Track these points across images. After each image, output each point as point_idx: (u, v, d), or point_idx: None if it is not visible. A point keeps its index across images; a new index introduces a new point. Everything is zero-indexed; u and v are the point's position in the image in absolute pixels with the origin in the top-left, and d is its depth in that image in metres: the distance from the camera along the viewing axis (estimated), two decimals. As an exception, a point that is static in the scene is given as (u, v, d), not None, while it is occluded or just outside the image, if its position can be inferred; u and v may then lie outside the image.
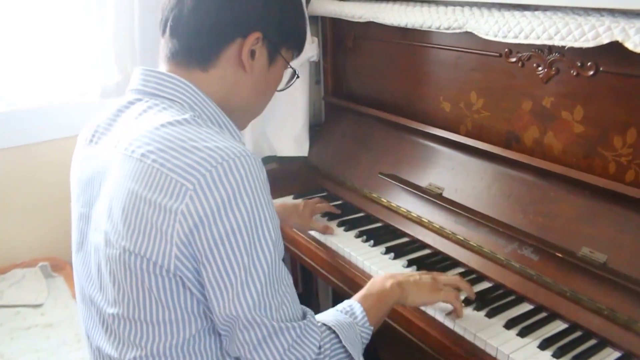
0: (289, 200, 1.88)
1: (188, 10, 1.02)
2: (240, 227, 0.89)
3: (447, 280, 1.33)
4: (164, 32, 1.07)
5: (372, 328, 1.14)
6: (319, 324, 1.04)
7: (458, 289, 1.33)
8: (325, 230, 1.71)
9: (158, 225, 0.89)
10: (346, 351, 1.05)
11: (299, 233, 1.76)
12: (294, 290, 1.00)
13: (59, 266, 2.04)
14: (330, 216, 1.80)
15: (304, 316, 1.01)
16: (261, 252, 0.92)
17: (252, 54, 1.06)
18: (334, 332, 1.05)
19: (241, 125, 1.16)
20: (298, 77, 1.22)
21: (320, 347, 1.00)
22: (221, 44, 1.04)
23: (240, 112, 1.13)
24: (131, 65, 1.98)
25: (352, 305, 1.16)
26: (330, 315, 1.11)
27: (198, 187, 0.87)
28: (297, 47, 1.16)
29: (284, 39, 1.10)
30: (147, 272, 0.92)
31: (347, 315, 1.12)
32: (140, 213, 0.91)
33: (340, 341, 1.04)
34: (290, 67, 1.16)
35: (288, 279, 0.99)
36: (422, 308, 1.36)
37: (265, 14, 1.05)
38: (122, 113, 1.05)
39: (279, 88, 1.19)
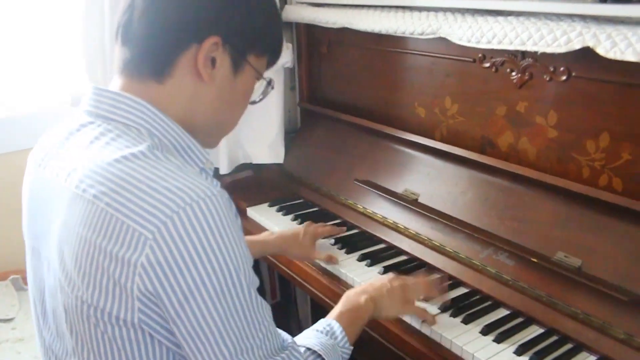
0: (288, 228, 1.74)
1: (138, 15, 0.92)
2: (211, 277, 0.81)
3: (416, 288, 1.30)
4: (116, 40, 0.96)
5: (351, 348, 1.11)
6: (303, 349, 1.00)
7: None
8: (330, 260, 1.58)
9: (116, 278, 0.80)
10: None
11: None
12: (272, 321, 0.93)
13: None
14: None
15: (285, 345, 0.96)
16: (237, 298, 0.84)
17: (213, 61, 0.94)
18: (320, 355, 1.01)
19: (211, 143, 1.06)
20: (272, 87, 1.10)
21: None
22: (174, 52, 0.92)
23: (207, 128, 1.01)
24: (102, 73, 1.96)
25: (331, 324, 1.11)
26: (312, 338, 1.06)
27: (158, 236, 0.78)
28: (270, 54, 1.04)
29: (250, 45, 0.98)
30: (110, 324, 0.84)
31: (328, 336, 1.08)
32: (95, 263, 0.82)
33: None
34: (262, 76, 1.04)
35: (266, 312, 0.91)
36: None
37: (223, 16, 0.93)
38: (72, 137, 0.94)
39: (251, 100, 1.07)
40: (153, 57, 0.92)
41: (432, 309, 1.34)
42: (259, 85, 1.07)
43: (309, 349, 1.01)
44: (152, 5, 0.91)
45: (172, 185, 0.81)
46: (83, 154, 0.89)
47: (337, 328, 1.11)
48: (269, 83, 1.08)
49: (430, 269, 1.52)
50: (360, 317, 1.18)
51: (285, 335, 0.99)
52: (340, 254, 1.61)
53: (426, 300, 1.35)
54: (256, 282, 0.91)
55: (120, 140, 0.88)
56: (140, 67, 0.93)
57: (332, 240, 1.67)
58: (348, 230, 1.75)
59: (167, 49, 0.92)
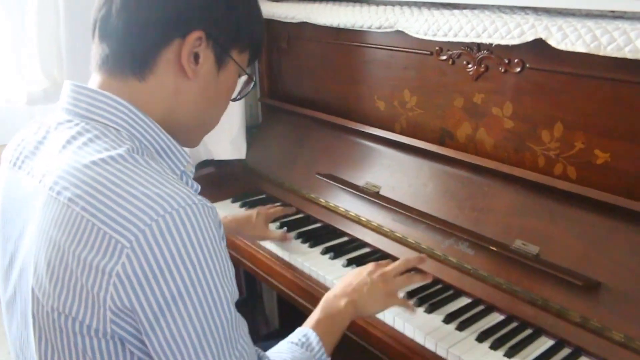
0: (240, 212, 1.81)
1: (116, 9, 0.88)
2: (189, 290, 0.77)
3: (397, 271, 1.27)
4: (93, 36, 0.92)
5: (329, 358, 1.09)
6: None
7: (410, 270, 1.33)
8: (284, 239, 1.64)
9: (89, 287, 0.77)
10: None
11: (240, 238, 1.74)
12: (248, 337, 0.91)
13: None
14: (274, 219, 1.77)
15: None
16: (216, 313, 0.81)
17: (196, 57, 0.91)
18: None
19: (192, 142, 1.03)
20: (255, 84, 1.07)
21: None
22: (156, 47, 0.89)
23: (189, 126, 0.98)
24: (58, 70, 1.92)
25: (307, 334, 1.08)
26: (286, 352, 1.04)
27: (136, 245, 0.74)
28: (252, 50, 1.01)
29: (234, 40, 0.95)
30: (80, 334, 0.80)
31: (304, 348, 1.06)
32: (68, 270, 0.78)
33: None
34: (246, 72, 1.02)
35: (244, 329, 0.89)
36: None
37: (207, 10, 0.90)
38: (49, 135, 0.91)
39: (232, 97, 1.04)
40: (134, 53, 0.89)
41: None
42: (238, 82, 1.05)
43: None
44: (130, 3, 0.88)
45: (152, 192, 0.78)
46: (59, 155, 0.86)
47: (314, 338, 1.08)
48: (251, 79, 1.05)
49: (393, 260, 1.53)
50: (340, 322, 1.16)
51: (259, 350, 0.96)
52: (304, 248, 1.62)
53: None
54: (236, 295, 0.87)
55: (98, 142, 0.85)
56: (120, 63, 0.90)
57: (296, 234, 1.68)
58: (312, 224, 1.76)
59: (149, 44, 0.89)
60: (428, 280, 1.35)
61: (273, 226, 1.74)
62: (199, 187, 0.99)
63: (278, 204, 1.85)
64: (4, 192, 0.98)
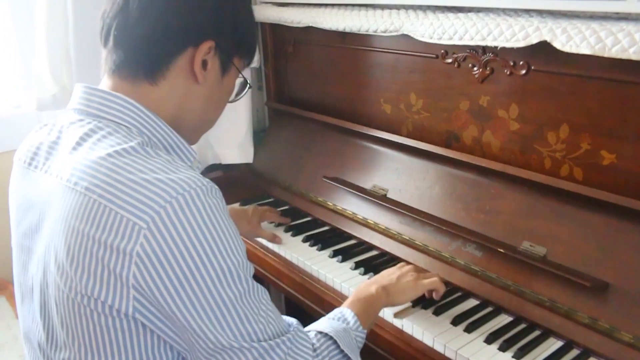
0: (236, 206, 1.85)
1: (134, 18, 0.94)
2: (206, 264, 0.83)
3: (425, 273, 1.36)
4: (106, 42, 0.97)
5: (365, 331, 1.13)
6: (313, 333, 1.03)
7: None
8: (273, 239, 1.69)
9: (111, 268, 0.82)
10: (345, 356, 1.04)
11: (247, 240, 1.75)
12: (273, 306, 0.95)
13: (0, 286, 1.98)
14: (278, 222, 1.79)
15: (290, 327, 0.98)
16: (233, 284, 0.86)
17: (204, 64, 0.98)
18: (332, 338, 1.03)
19: (192, 140, 1.08)
20: (250, 87, 1.15)
21: (315, 351, 0.98)
22: (171, 54, 0.96)
23: (194, 126, 1.06)
24: (67, 76, 1.94)
25: (343, 311, 1.14)
26: (324, 323, 1.08)
27: (153, 226, 0.80)
28: (250, 56, 1.09)
29: (236, 48, 1.03)
30: (103, 314, 0.85)
31: (340, 321, 1.11)
32: (89, 254, 0.83)
33: (338, 346, 1.03)
34: (242, 76, 1.10)
35: (265, 297, 0.94)
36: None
37: (218, 22, 0.98)
38: (62, 135, 0.96)
39: (230, 99, 1.12)
40: (149, 60, 0.96)
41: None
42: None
43: (320, 332, 1.04)
44: (151, 9, 0.94)
45: (165, 177, 0.83)
46: (73, 151, 0.91)
47: (349, 314, 1.13)
48: (247, 83, 1.13)
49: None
50: (373, 304, 1.21)
51: (290, 319, 1.02)
52: (312, 251, 1.63)
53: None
54: (251, 269, 0.93)
55: (111, 138, 0.90)
56: (134, 68, 0.96)
57: (303, 237, 1.69)
58: (319, 227, 1.77)
59: (164, 52, 0.96)
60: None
61: (281, 229, 1.76)
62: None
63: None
64: (20, 191, 1.02)
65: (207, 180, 0.87)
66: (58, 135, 0.97)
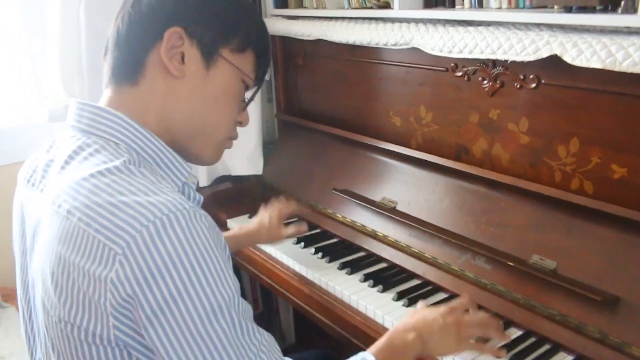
0: (250, 223, 1.72)
1: (114, 25, 0.96)
2: (181, 294, 0.76)
3: (474, 323, 1.19)
4: (105, 54, 0.99)
5: None
6: None
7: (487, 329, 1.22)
8: (300, 230, 1.63)
9: (90, 294, 0.79)
10: None
11: (255, 251, 1.75)
12: (271, 348, 0.88)
13: (10, 296, 1.99)
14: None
15: None
16: (213, 318, 0.79)
17: (182, 57, 0.93)
18: None
19: (205, 155, 1.02)
20: (259, 88, 1.07)
21: None
22: (144, 50, 0.93)
23: (188, 133, 0.98)
24: (79, 87, 1.96)
25: (366, 358, 1.03)
26: None
27: (128, 251, 0.75)
28: (256, 53, 1.01)
29: (221, 37, 0.96)
30: (87, 343, 0.82)
31: None
32: (71, 280, 0.80)
33: None
34: (249, 77, 1.02)
35: (260, 338, 0.86)
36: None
37: (181, 6, 0.93)
38: (58, 152, 0.94)
39: (236, 103, 1.03)
40: (126, 59, 0.94)
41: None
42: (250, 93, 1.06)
43: None
44: (130, 10, 0.94)
45: (143, 200, 0.79)
46: (62, 171, 0.89)
47: None
48: (250, 81, 1.03)
49: (410, 275, 1.54)
50: (405, 353, 1.10)
51: None
52: (321, 263, 1.63)
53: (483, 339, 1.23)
54: (247, 308, 0.86)
55: (97, 156, 0.87)
56: (117, 74, 0.95)
57: (313, 250, 1.69)
58: (328, 239, 1.77)
59: (137, 48, 0.93)
60: (506, 340, 1.23)
61: (290, 241, 1.75)
62: (202, 198, 1.00)
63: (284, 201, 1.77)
64: (20, 208, 1.01)
65: (191, 204, 0.81)
66: (55, 154, 0.95)
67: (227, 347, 0.80)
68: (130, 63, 0.94)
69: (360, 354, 1.04)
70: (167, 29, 0.92)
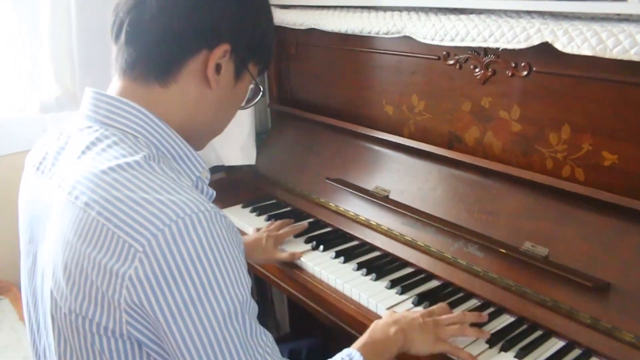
0: (250, 235, 1.74)
1: (150, 14, 0.89)
2: (200, 295, 0.78)
3: (450, 321, 1.23)
4: (117, 38, 0.93)
5: None
6: None
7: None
8: (293, 258, 1.60)
9: (104, 289, 0.79)
10: None
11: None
12: (274, 350, 0.89)
13: (4, 288, 1.99)
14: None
15: None
16: (229, 320, 0.81)
17: (218, 68, 0.94)
18: None
19: (199, 146, 1.05)
20: (263, 94, 1.10)
21: None
22: (185, 56, 0.91)
23: (203, 132, 1.02)
24: (71, 79, 1.95)
25: (352, 354, 1.06)
26: None
27: (149, 249, 0.76)
28: (265, 63, 1.05)
29: (252, 54, 0.99)
30: (98, 334, 0.82)
31: None
32: (84, 273, 0.80)
33: None
34: (257, 82, 1.04)
35: (265, 340, 0.88)
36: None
37: (237, 26, 0.94)
38: (70, 140, 0.93)
39: (242, 105, 1.08)
40: (161, 60, 0.92)
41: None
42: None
43: None
44: (169, 7, 0.90)
45: (166, 198, 0.79)
46: (78, 160, 0.88)
47: (358, 358, 1.05)
48: (259, 89, 1.07)
49: (403, 263, 1.55)
50: (387, 349, 1.13)
51: None
52: (314, 252, 1.63)
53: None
54: (255, 308, 0.87)
55: (116, 148, 0.87)
56: (146, 69, 0.92)
57: (306, 239, 1.69)
58: (322, 228, 1.77)
59: (177, 52, 0.91)
60: (485, 337, 1.23)
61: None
62: (214, 193, 1.01)
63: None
64: (28, 196, 1.00)
65: (211, 205, 0.83)
66: (66, 141, 0.95)
67: (238, 348, 0.82)
68: (165, 65, 0.92)
69: (346, 351, 1.07)
70: (219, 44, 0.92)
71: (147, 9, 0.90)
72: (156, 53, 0.91)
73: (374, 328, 1.17)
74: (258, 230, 1.72)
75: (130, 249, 0.77)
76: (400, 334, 1.15)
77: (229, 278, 0.81)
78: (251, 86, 1.05)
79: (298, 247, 1.66)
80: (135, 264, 0.76)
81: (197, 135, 1.00)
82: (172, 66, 0.92)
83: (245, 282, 0.84)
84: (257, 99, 1.09)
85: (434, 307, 1.28)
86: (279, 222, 1.73)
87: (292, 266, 1.62)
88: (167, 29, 0.90)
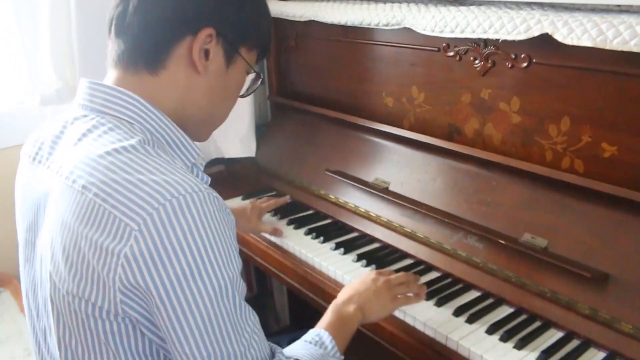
0: (236, 203, 1.84)
1: (133, 6, 0.93)
2: (193, 273, 0.80)
3: (399, 280, 1.29)
4: (109, 32, 0.97)
5: (342, 357, 1.11)
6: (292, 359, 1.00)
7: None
8: (275, 233, 1.68)
9: (99, 269, 0.81)
10: None
11: (249, 234, 1.76)
12: (260, 330, 0.93)
13: (4, 280, 1.99)
14: (281, 215, 1.81)
15: (273, 355, 0.95)
16: (220, 298, 0.83)
17: (206, 53, 0.95)
18: None
19: (202, 136, 1.07)
20: (263, 82, 1.11)
21: None
22: (169, 42, 0.93)
23: (199, 120, 1.02)
24: (70, 71, 1.95)
25: (320, 334, 1.10)
26: (301, 349, 1.05)
27: (144, 227, 0.78)
28: (261, 47, 1.05)
29: (242, 38, 0.99)
30: (94, 317, 0.84)
31: (318, 346, 1.07)
32: (81, 253, 0.82)
33: None
34: (254, 70, 1.05)
35: (252, 319, 0.90)
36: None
37: (218, 8, 0.95)
38: (66, 130, 0.95)
39: (241, 94, 1.09)
40: (147, 48, 0.94)
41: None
42: (247, 79, 1.09)
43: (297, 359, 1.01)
44: None
45: (160, 179, 0.81)
46: (75, 147, 0.90)
47: (327, 337, 1.09)
48: (259, 76, 1.09)
49: (403, 255, 1.55)
50: (349, 326, 1.17)
51: (273, 346, 0.98)
52: (315, 244, 1.64)
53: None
54: (244, 288, 0.89)
55: (112, 134, 0.89)
56: (134, 58, 0.94)
57: (306, 230, 1.70)
58: (322, 220, 1.78)
59: (162, 40, 0.93)
60: (422, 299, 1.32)
61: (284, 222, 1.76)
62: (209, 180, 1.02)
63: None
64: (24, 185, 1.02)
65: (206, 186, 0.85)
66: (62, 130, 0.96)
67: (227, 325, 0.85)
68: (152, 53, 0.94)
69: (314, 330, 1.13)
70: (201, 28, 0.93)
71: (130, 1, 0.93)
72: (142, 41, 0.94)
73: (334, 307, 1.20)
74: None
75: (126, 228, 0.79)
76: (359, 311, 1.20)
77: (221, 257, 0.83)
78: (252, 75, 1.06)
79: (298, 238, 1.67)
80: (131, 242, 0.78)
81: (194, 124, 1.02)
82: (159, 53, 0.94)
83: (236, 262, 0.87)
84: (256, 86, 1.11)
85: (383, 270, 1.36)
86: (263, 198, 1.82)
87: (292, 258, 1.63)
88: (150, 17, 0.93)
